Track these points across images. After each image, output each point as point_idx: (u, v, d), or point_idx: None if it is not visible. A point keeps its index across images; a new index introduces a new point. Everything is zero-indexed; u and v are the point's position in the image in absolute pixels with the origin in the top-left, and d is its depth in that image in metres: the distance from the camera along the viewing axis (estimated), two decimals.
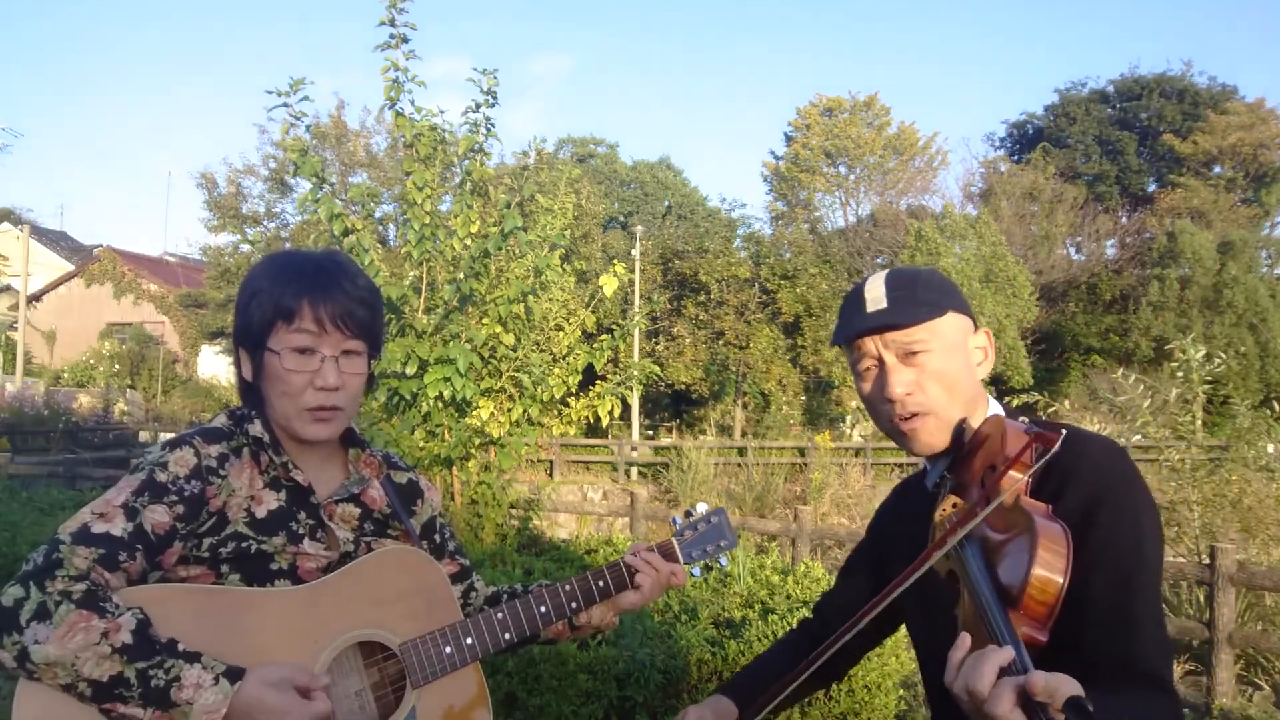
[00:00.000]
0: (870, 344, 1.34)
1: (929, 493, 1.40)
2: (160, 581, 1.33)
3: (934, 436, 1.33)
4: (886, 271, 1.39)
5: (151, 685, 1.20)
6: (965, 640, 1.07)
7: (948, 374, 1.32)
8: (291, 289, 1.40)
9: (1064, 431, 1.20)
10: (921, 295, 1.33)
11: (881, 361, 1.34)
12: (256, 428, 1.44)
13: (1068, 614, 1.12)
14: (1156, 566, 1.19)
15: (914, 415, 1.33)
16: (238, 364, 1.48)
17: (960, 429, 1.32)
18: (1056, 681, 0.94)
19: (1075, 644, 1.15)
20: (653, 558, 1.64)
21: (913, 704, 4.38)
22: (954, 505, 1.25)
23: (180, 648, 1.25)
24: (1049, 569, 1.05)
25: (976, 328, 1.39)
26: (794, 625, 1.73)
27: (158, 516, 1.31)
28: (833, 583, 1.71)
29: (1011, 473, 1.17)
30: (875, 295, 1.35)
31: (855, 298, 1.38)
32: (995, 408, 1.39)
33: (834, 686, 3.53)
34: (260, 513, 1.40)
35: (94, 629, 1.20)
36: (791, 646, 1.63)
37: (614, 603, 1.63)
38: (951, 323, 1.34)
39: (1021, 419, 1.30)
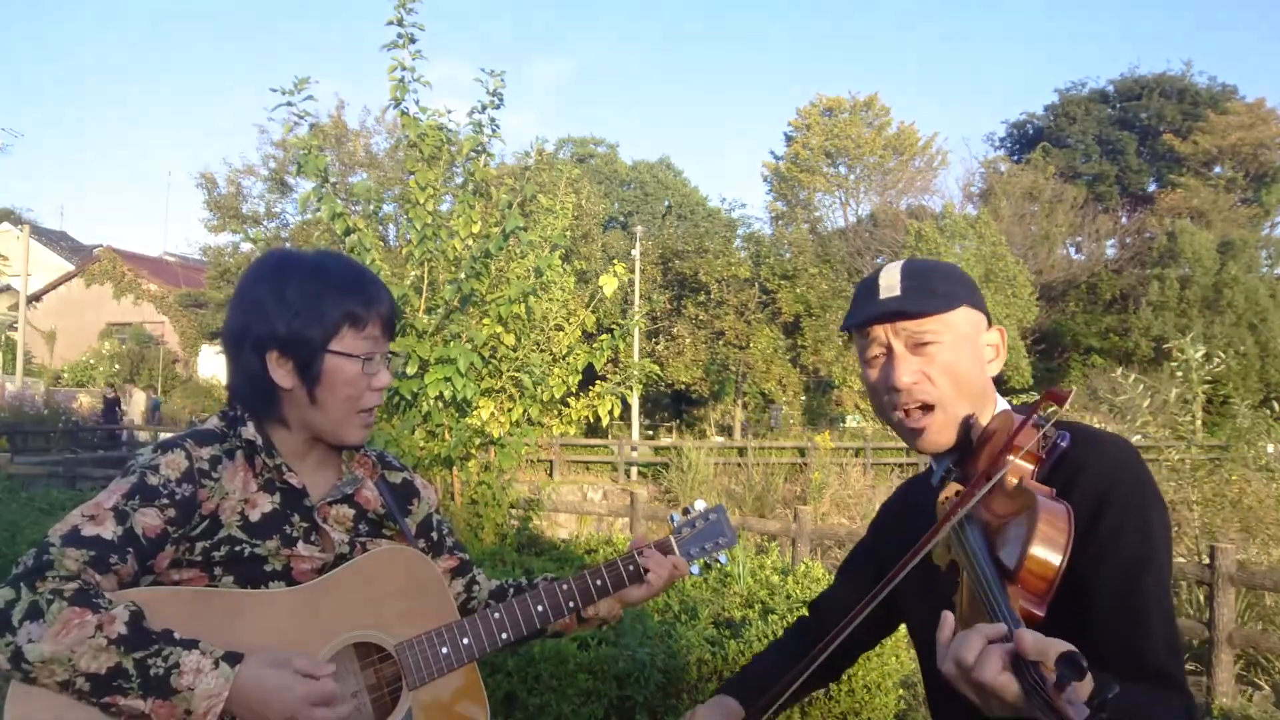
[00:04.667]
0: (880, 331, 1.32)
1: (934, 490, 1.38)
2: (153, 585, 1.33)
3: (940, 434, 1.31)
4: (904, 260, 1.37)
5: (151, 674, 1.20)
6: (948, 618, 1.04)
7: (957, 367, 1.29)
8: (357, 296, 1.44)
9: (1075, 428, 1.19)
10: (937, 285, 1.31)
11: (890, 350, 1.32)
12: (249, 430, 1.43)
13: (1074, 608, 1.08)
14: (1165, 565, 1.17)
15: (920, 409, 1.30)
16: (247, 367, 1.44)
17: (968, 425, 1.30)
18: (1047, 642, 0.91)
19: (1081, 640, 1.10)
20: (653, 553, 1.64)
21: (913, 704, 4.38)
22: (956, 492, 1.23)
23: (176, 636, 1.24)
24: (1048, 546, 1.02)
25: (990, 324, 1.37)
26: (791, 624, 1.72)
27: (148, 520, 1.30)
28: (832, 582, 1.69)
29: (1019, 461, 1.15)
30: (890, 283, 1.32)
31: (869, 284, 1.36)
32: (1004, 406, 1.36)
33: (833, 686, 3.53)
34: (254, 516, 1.40)
35: (88, 623, 1.19)
36: (791, 645, 1.60)
37: (620, 596, 1.63)
38: (964, 316, 1.32)
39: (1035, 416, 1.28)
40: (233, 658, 1.24)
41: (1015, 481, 1.15)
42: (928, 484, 1.44)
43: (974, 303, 1.33)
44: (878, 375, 1.34)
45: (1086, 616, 1.13)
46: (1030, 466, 1.17)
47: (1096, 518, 1.15)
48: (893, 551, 1.46)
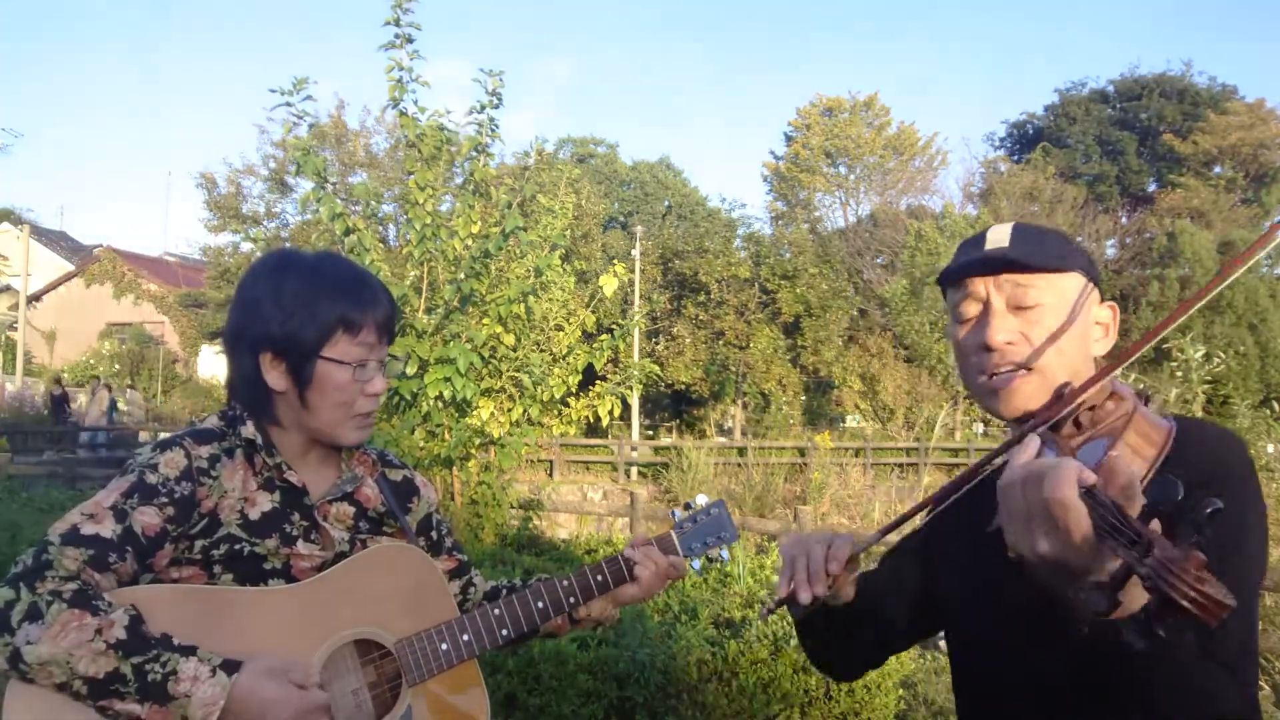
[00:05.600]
0: (980, 285, 1.18)
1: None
2: (152, 583, 1.33)
3: (1029, 398, 1.14)
4: (1017, 221, 1.24)
5: (148, 679, 1.20)
6: (1033, 441, 0.92)
7: (1059, 335, 1.15)
8: (353, 300, 1.43)
9: (1181, 417, 1.12)
10: (1050, 245, 1.18)
11: (988, 306, 1.17)
12: (249, 429, 1.43)
13: None
14: (1255, 568, 1.04)
15: (1012, 370, 1.15)
16: (243, 367, 1.45)
17: (1061, 394, 1.13)
18: (1131, 470, 0.82)
19: None
20: (651, 551, 1.64)
21: (913, 704, 4.38)
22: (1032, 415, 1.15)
23: (175, 641, 1.24)
24: (1133, 451, 0.92)
25: (1103, 300, 1.22)
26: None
27: (147, 518, 1.31)
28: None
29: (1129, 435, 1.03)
30: (998, 236, 1.20)
31: (975, 239, 1.24)
32: None
33: (833, 686, 3.53)
34: (254, 514, 1.40)
35: (87, 626, 1.19)
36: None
37: (614, 596, 1.62)
38: (1075, 283, 1.17)
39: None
40: (230, 666, 1.24)
41: (1108, 404, 1.04)
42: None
43: (1087, 272, 1.20)
44: (967, 334, 1.20)
45: None
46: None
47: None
48: (943, 549, 1.31)
